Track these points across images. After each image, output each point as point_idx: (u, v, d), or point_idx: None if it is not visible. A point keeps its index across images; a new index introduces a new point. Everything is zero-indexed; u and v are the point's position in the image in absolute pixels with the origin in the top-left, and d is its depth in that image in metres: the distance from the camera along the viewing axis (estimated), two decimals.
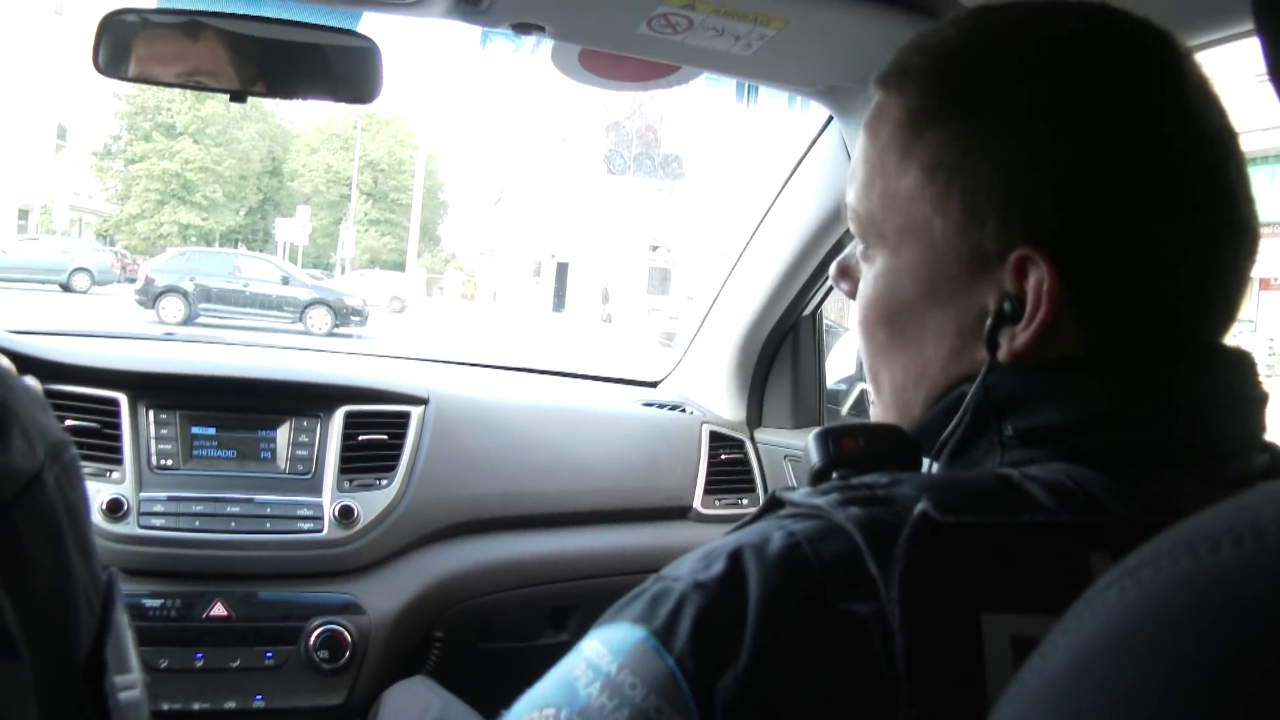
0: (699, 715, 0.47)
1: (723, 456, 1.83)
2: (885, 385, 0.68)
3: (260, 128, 39.26)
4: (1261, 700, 0.25)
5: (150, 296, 15.47)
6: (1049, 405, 0.57)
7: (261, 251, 37.77)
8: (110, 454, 1.44)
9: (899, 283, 0.63)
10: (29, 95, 28.22)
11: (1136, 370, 0.56)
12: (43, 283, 18.33)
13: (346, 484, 1.51)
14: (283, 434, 1.54)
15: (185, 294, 15.64)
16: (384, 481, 1.53)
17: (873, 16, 1.22)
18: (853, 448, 0.62)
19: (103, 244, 30.63)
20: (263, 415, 1.55)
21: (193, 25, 1.35)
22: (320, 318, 16.09)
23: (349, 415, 1.56)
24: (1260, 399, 0.60)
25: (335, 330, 15.93)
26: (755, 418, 1.90)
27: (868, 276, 0.66)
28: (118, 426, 1.46)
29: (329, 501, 1.49)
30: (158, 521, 1.40)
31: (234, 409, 1.54)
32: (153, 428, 1.48)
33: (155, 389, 1.51)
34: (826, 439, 0.63)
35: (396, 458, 1.56)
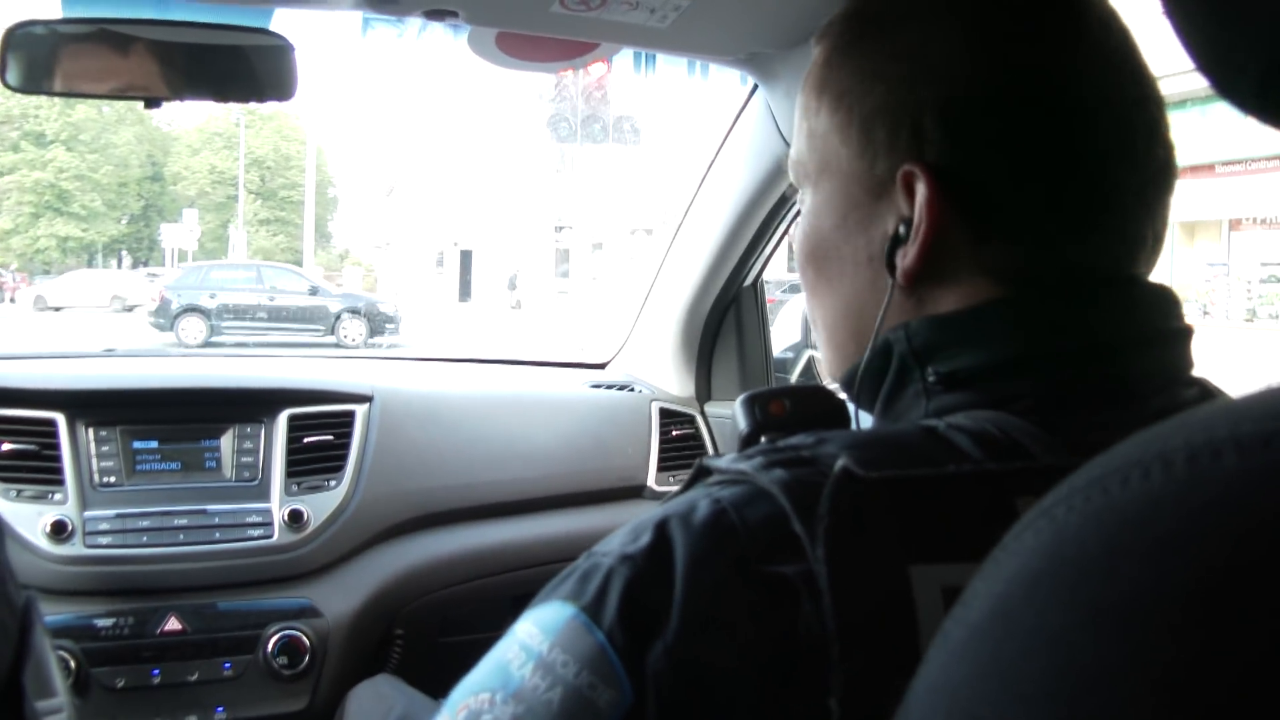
0: (631, 687, 0.48)
1: (674, 433, 1.88)
2: (821, 326, 0.71)
3: (137, 131, 38.26)
4: (1176, 641, 0.26)
5: (169, 318, 14.97)
6: (968, 348, 0.59)
7: (148, 261, 37.31)
8: (51, 475, 1.45)
9: (819, 218, 0.68)
10: None
11: (1050, 308, 0.59)
12: None
13: (294, 487, 1.54)
14: (226, 442, 1.56)
15: (206, 312, 15.19)
16: (332, 482, 1.56)
17: None
18: (779, 411, 0.66)
19: None
20: (205, 424, 1.56)
21: (103, 34, 1.37)
22: (354, 328, 15.64)
23: (293, 418, 1.59)
24: (1182, 332, 0.61)
25: (372, 340, 15.46)
26: (705, 392, 1.94)
27: (799, 221, 0.71)
28: (56, 447, 1.47)
29: (278, 506, 1.51)
30: (104, 540, 1.42)
31: (175, 420, 1.55)
32: (93, 445, 1.49)
33: (93, 406, 1.52)
34: (753, 404, 0.66)
35: (344, 458, 1.59)
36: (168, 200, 39.28)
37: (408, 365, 2.04)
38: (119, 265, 40.08)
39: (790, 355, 1.98)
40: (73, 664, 1.35)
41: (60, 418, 1.49)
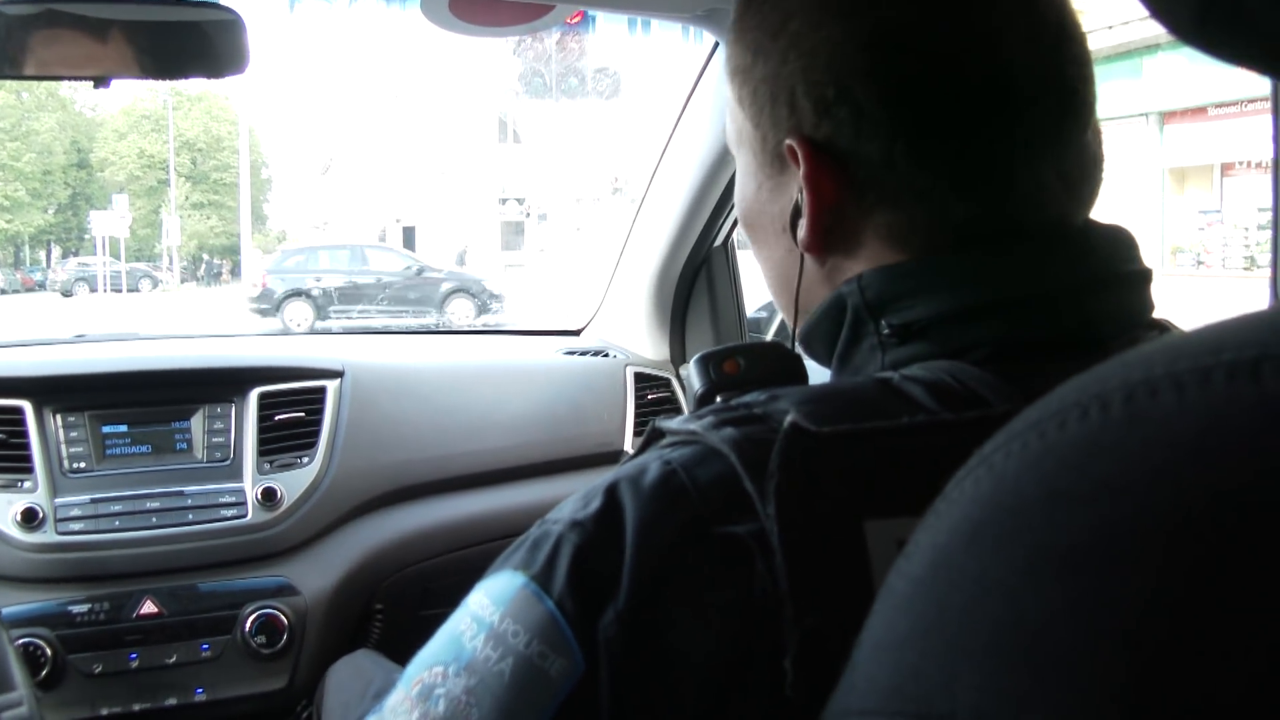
0: (582, 655, 0.48)
1: (649, 397, 1.92)
2: (768, 287, 0.73)
3: (60, 117, 37.67)
4: (1117, 585, 0.26)
5: (273, 304, 14.97)
6: (920, 300, 0.59)
7: (78, 251, 36.91)
8: (19, 463, 1.48)
9: (743, 187, 0.70)
10: None
11: (1001, 256, 0.59)
12: None
13: (267, 466, 1.58)
14: (197, 423, 1.59)
15: (313, 296, 15.17)
16: (305, 459, 1.60)
17: None
18: (734, 370, 0.67)
19: None
20: (174, 406, 1.60)
21: (49, 14, 1.41)
22: (463, 308, 15.37)
23: (263, 396, 1.62)
24: (1140, 275, 0.62)
25: (477, 320, 15.18)
26: (679, 355, 1.99)
27: None
28: (24, 434, 1.50)
29: (250, 485, 1.55)
30: (76, 526, 1.45)
31: (144, 403, 1.59)
32: (61, 431, 1.52)
33: (60, 392, 1.55)
34: (707, 363, 0.68)
35: (316, 434, 1.62)
36: (96, 187, 38.71)
37: (378, 339, 2.07)
38: (48, 256, 39.69)
39: (764, 315, 2.01)
40: (49, 652, 1.38)
41: (27, 405, 1.52)
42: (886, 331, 0.61)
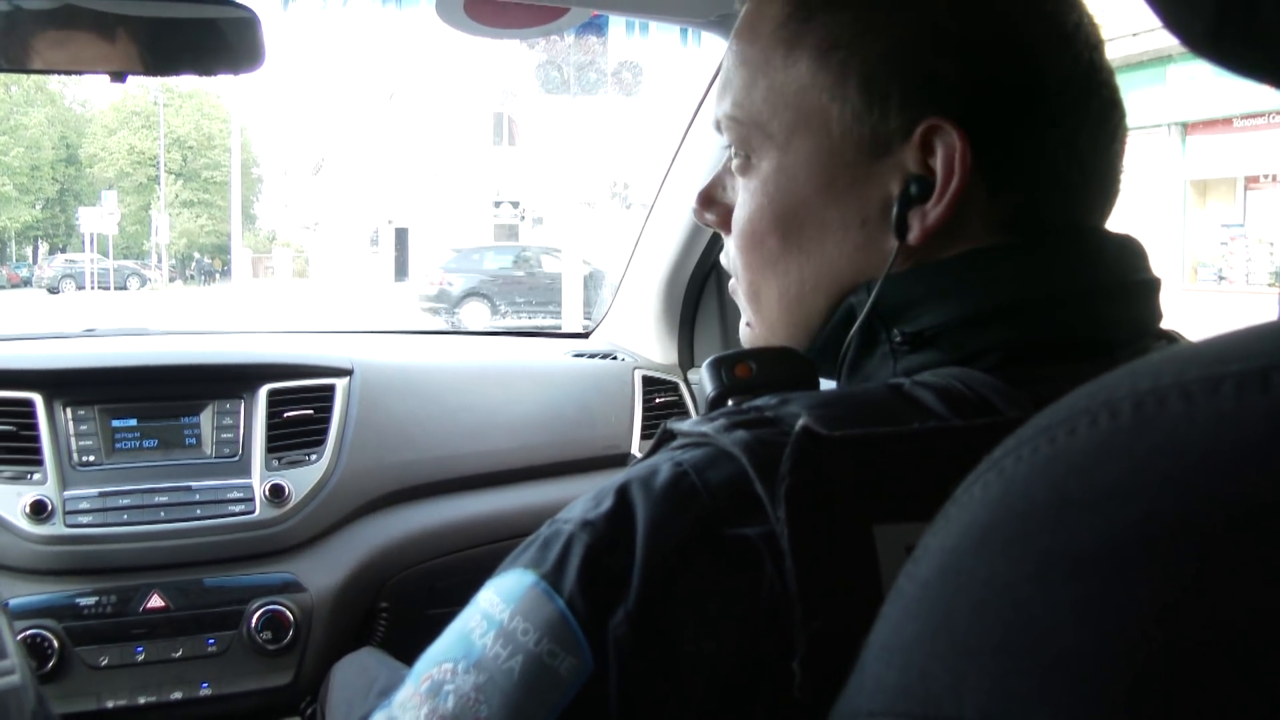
0: (592, 655, 0.50)
1: (657, 400, 1.97)
2: (772, 298, 0.71)
3: (48, 112, 38.03)
4: (1123, 589, 0.27)
5: (450, 302, 15.54)
6: (930, 307, 0.61)
7: (66, 247, 37.02)
8: (29, 455, 1.53)
9: (793, 181, 0.67)
10: None
11: (1011, 261, 0.61)
12: None
13: (275, 462, 1.62)
14: (206, 418, 1.64)
15: (487, 296, 15.75)
16: (313, 457, 1.64)
17: None
18: (746, 374, 0.66)
19: None
20: (183, 401, 1.64)
21: (68, 10, 1.48)
22: None
23: (272, 393, 1.67)
24: (1149, 284, 0.64)
25: None
26: (687, 359, 2.03)
27: (749, 187, 0.70)
28: (35, 427, 1.54)
29: (259, 481, 1.59)
30: (84, 519, 1.50)
31: (153, 398, 1.63)
32: (71, 425, 1.57)
33: (70, 385, 1.60)
34: (719, 367, 0.67)
35: (324, 432, 1.67)
36: (84, 184, 38.82)
37: (388, 338, 2.12)
38: (35, 252, 39.86)
39: None
40: (55, 643, 1.42)
41: (38, 398, 1.57)
42: (899, 339, 0.62)
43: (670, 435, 0.59)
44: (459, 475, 1.78)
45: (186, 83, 38.41)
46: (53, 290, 27.22)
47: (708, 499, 0.52)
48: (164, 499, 1.56)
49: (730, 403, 0.62)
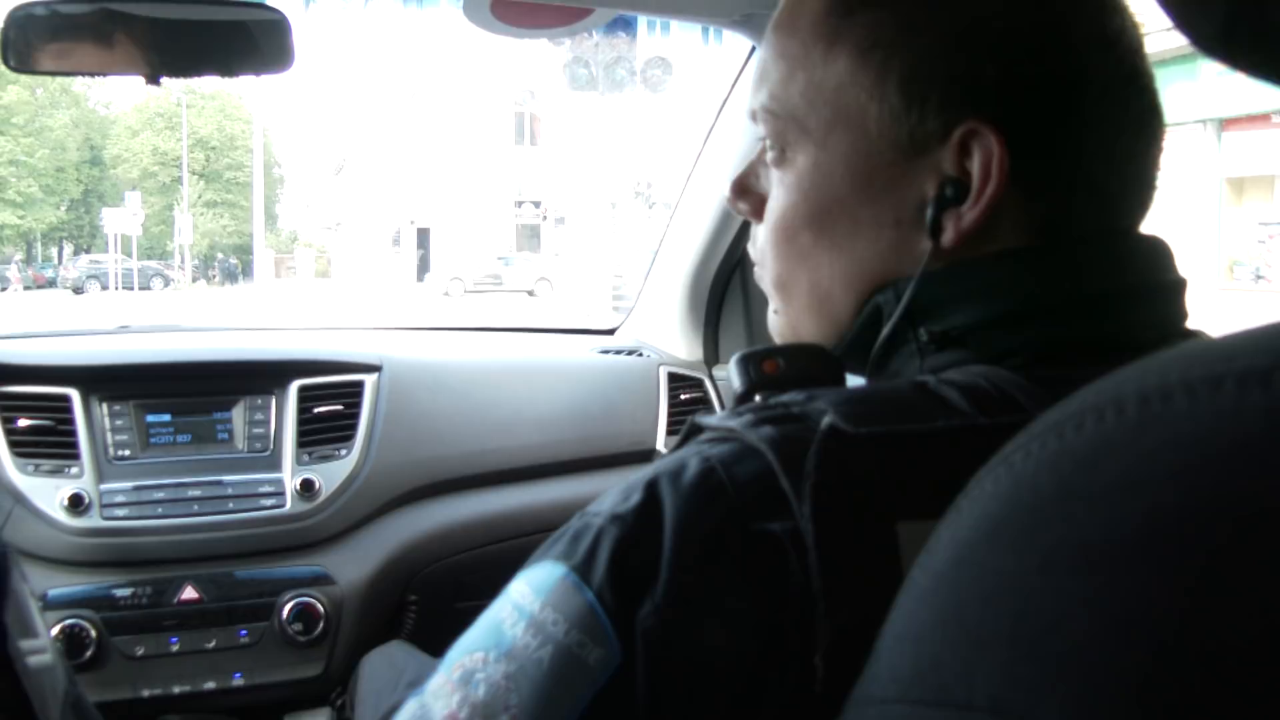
0: (619, 646, 0.51)
1: (683, 396, 2.00)
2: (802, 291, 0.72)
3: (73, 114, 38.53)
4: (1127, 581, 0.28)
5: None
6: (959, 306, 0.62)
7: (90, 248, 37.29)
8: (67, 449, 1.58)
9: (829, 177, 0.67)
10: None
11: (1039, 262, 0.62)
12: None
13: (306, 457, 1.67)
14: (238, 413, 1.69)
15: None
16: (343, 451, 1.69)
17: None
18: (773, 370, 0.67)
19: None
20: (216, 397, 1.70)
21: (103, 13, 1.50)
22: None
23: (303, 389, 1.71)
24: (1176, 284, 0.64)
25: None
26: (712, 355, 2.05)
27: (785, 181, 0.70)
28: (71, 422, 1.59)
29: (289, 476, 1.64)
30: (120, 512, 1.54)
31: (187, 394, 1.68)
32: (107, 419, 1.62)
33: (106, 381, 1.65)
34: (747, 362, 0.68)
35: (354, 427, 1.71)
36: (108, 185, 39.24)
37: (415, 335, 2.16)
38: (60, 253, 40.35)
39: None
40: (93, 633, 1.47)
41: (75, 393, 1.62)
42: (925, 338, 0.63)
43: (698, 429, 0.60)
44: (486, 470, 1.82)
45: (209, 84, 38.83)
46: (78, 290, 27.53)
47: (735, 494, 0.53)
48: (197, 493, 1.61)
49: (758, 398, 0.63)
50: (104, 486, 1.58)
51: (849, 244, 0.68)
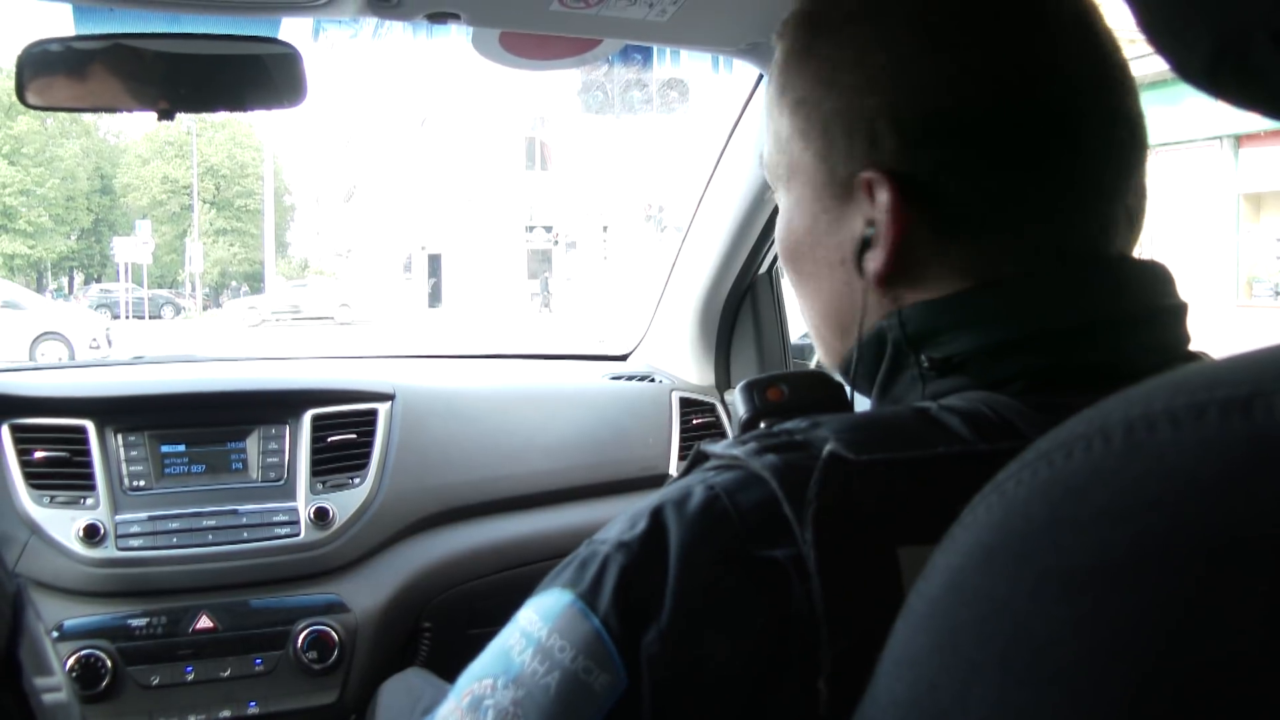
0: (625, 672, 0.52)
1: (695, 421, 2.02)
2: (808, 321, 0.76)
3: (83, 144, 38.49)
4: (1116, 606, 0.29)
5: None
6: (960, 332, 0.63)
7: (100, 277, 37.31)
8: (83, 481, 1.60)
9: (791, 221, 0.73)
10: None
11: (1039, 290, 0.63)
12: None
13: (320, 486, 1.69)
14: (252, 443, 1.71)
15: None
16: (357, 480, 1.71)
17: None
18: (777, 397, 0.71)
19: None
20: (230, 427, 1.72)
21: (117, 49, 1.44)
22: None
23: (316, 418, 1.74)
24: (1176, 309, 0.65)
25: None
26: (724, 380, 2.08)
27: (778, 219, 0.76)
28: (87, 453, 1.62)
29: (303, 505, 1.66)
30: (135, 542, 1.57)
31: (201, 424, 1.71)
32: (122, 450, 1.65)
33: (121, 413, 1.68)
34: (751, 390, 0.72)
35: (367, 455, 1.74)
36: (119, 214, 39.16)
37: (428, 363, 2.19)
38: (70, 282, 40.60)
39: (809, 341, 2.15)
40: (109, 663, 1.49)
41: (90, 425, 1.64)
42: (926, 365, 0.64)
43: (703, 457, 0.62)
44: (499, 497, 1.85)
45: (220, 114, 39.11)
46: None
47: (738, 522, 0.54)
48: (212, 522, 1.64)
49: (762, 425, 0.65)
50: (119, 517, 1.60)
51: (814, 281, 0.73)
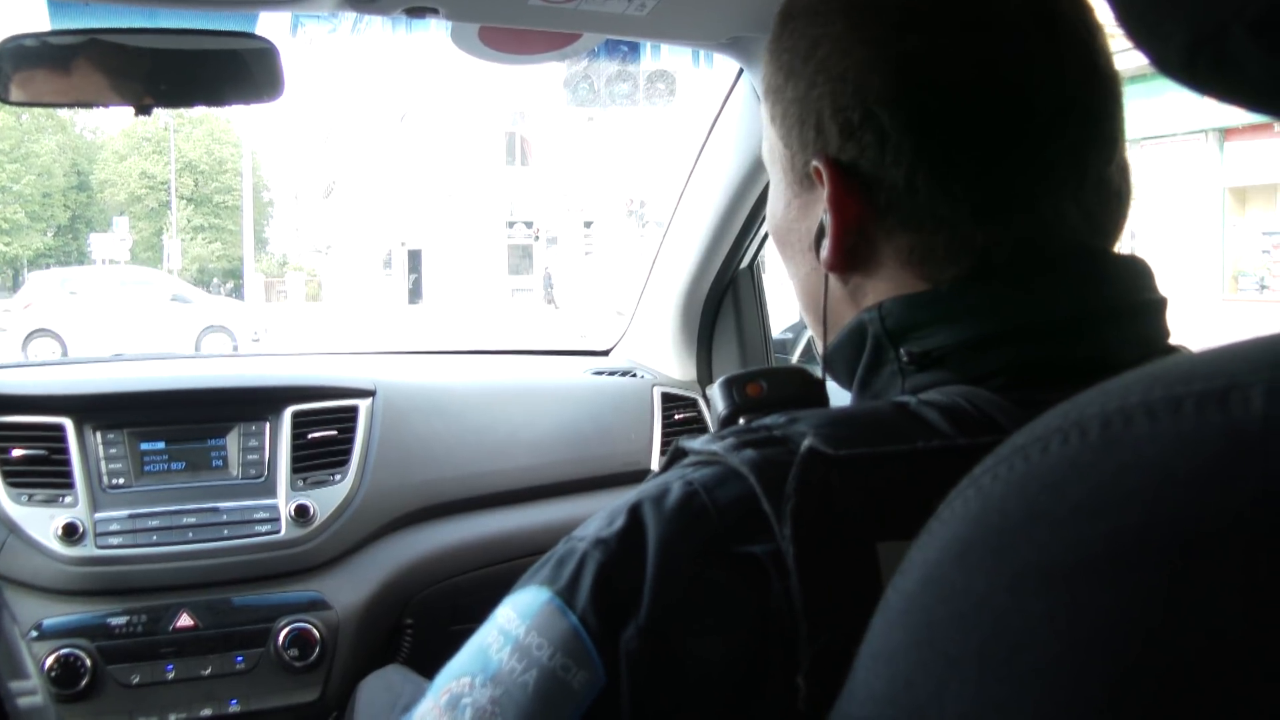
0: (604, 669, 0.53)
1: (676, 416, 2.03)
2: (798, 302, 0.78)
3: (59, 139, 38.41)
4: (1091, 600, 0.29)
5: None
6: (940, 328, 0.63)
7: None
8: (61, 479, 1.60)
9: (774, 204, 0.75)
10: None
11: (1017, 284, 0.63)
12: None
13: (300, 483, 1.70)
14: (232, 440, 1.72)
15: None
16: (338, 477, 1.72)
17: None
18: (756, 393, 0.71)
19: None
20: (210, 424, 1.72)
21: (94, 44, 1.44)
22: None
23: (296, 415, 1.74)
24: (1156, 303, 0.65)
25: None
26: (706, 375, 2.09)
27: None
28: (65, 451, 1.62)
29: (284, 502, 1.67)
30: (115, 540, 1.57)
31: (180, 421, 1.71)
32: (101, 448, 1.65)
33: (100, 410, 1.68)
34: (730, 386, 0.72)
35: (348, 452, 1.74)
36: (96, 210, 39.06)
37: (409, 359, 2.20)
38: None
39: (790, 336, 2.13)
40: (88, 662, 1.49)
41: (68, 422, 1.65)
42: (905, 359, 0.65)
43: (682, 453, 0.62)
44: (481, 493, 1.85)
45: (197, 109, 38.86)
46: None
47: (717, 518, 0.55)
48: (192, 520, 1.64)
49: (741, 420, 0.66)
50: (98, 515, 1.61)
51: (792, 265, 0.76)
